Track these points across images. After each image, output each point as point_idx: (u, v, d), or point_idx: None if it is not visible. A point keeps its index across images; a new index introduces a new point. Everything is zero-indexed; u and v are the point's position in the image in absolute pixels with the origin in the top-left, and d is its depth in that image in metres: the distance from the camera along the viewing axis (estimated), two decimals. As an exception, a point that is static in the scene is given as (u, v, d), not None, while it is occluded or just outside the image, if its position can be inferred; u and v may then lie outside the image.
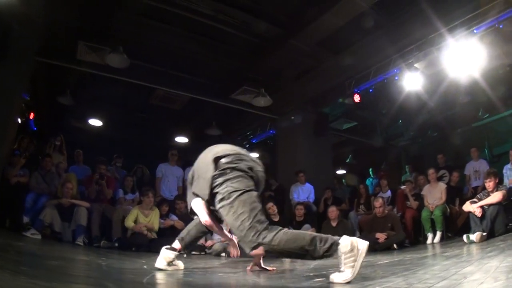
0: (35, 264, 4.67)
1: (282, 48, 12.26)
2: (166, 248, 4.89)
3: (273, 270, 5.02)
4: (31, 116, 15.32)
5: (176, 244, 4.97)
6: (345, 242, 3.60)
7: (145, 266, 5.27)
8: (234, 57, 13.36)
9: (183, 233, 5.07)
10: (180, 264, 5.03)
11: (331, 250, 3.58)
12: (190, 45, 12.60)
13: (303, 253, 3.61)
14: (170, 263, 4.85)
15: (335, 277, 3.56)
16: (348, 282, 3.48)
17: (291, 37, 11.82)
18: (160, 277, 4.38)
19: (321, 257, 3.61)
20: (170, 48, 12.72)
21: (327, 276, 3.78)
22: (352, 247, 3.59)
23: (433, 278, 3.74)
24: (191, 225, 5.07)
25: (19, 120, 13.03)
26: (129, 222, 9.67)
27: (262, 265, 5.05)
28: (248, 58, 13.32)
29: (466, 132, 16.47)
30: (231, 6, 11.07)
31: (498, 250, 5.66)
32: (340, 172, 19.03)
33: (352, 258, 3.57)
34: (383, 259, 6.69)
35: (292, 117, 14.77)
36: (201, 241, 9.98)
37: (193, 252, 9.71)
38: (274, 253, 3.69)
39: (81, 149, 12.77)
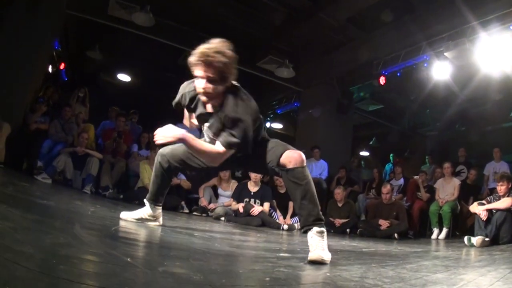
0: (25, 200, 4.73)
1: (312, 20, 12.07)
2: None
3: None
4: (62, 66, 15.49)
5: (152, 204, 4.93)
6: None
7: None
8: (263, 25, 13.24)
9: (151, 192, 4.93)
10: (159, 220, 5.00)
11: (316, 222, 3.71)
12: (220, 9, 12.55)
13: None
14: (147, 219, 4.89)
15: (324, 254, 3.56)
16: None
17: (321, 10, 11.63)
18: (131, 227, 4.40)
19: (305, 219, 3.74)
20: (200, 10, 12.68)
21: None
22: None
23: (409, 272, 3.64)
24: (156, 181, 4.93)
25: (50, 69, 13.19)
26: (146, 180, 9.74)
27: None
28: (277, 28, 13.15)
29: (495, 131, 16.15)
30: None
31: (489, 260, 5.46)
32: (363, 153, 18.87)
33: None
34: (372, 247, 6.66)
35: (310, 111, 14.76)
36: (204, 203, 10.09)
37: (195, 213, 9.80)
38: None
39: (108, 103, 12.94)
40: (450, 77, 11.76)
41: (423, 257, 5.67)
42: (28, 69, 10.81)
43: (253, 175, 9.74)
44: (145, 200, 4.86)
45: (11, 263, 1.66)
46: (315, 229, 3.65)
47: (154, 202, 4.87)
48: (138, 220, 4.86)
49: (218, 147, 3.89)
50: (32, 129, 10.31)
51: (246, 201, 9.65)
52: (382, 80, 12.76)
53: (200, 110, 4.19)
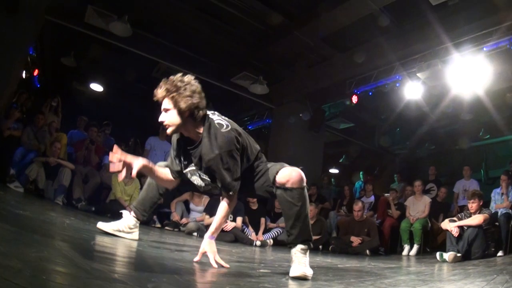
0: (1, 208, 4.72)
1: (287, 38, 12.20)
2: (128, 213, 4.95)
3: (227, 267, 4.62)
4: (35, 72, 15.39)
5: (135, 212, 4.96)
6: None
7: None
8: (238, 41, 13.27)
9: (138, 200, 5.03)
10: (135, 234, 4.98)
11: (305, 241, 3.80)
12: (197, 23, 12.53)
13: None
14: (124, 231, 4.87)
15: (307, 270, 3.61)
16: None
17: (297, 29, 11.76)
18: (108, 241, 4.37)
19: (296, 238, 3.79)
20: (177, 23, 12.66)
21: (273, 268, 3.83)
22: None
23: None
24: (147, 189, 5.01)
25: (24, 75, 13.11)
26: (118, 193, 9.91)
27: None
28: (252, 44, 13.23)
29: (465, 150, 16.40)
30: (238, -12, 11.06)
31: (464, 274, 5.58)
32: (333, 171, 18.99)
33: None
34: (345, 263, 6.77)
35: (301, 114, 14.77)
36: (176, 218, 10.09)
37: (166, 228, 9.79)
38: None
39: (80, 113, 12.89)
40: (421, 97, 11.93)
41: (398, 273, 5.82)
42: (2, 74, 10.76)
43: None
44: (124, 211, 4.86)
45: (1, 279, 1.67)
46: (300, 246, 3.72)
47: (138, 212, 4.90)
48: (116, 231, 4.83)
49: (227, 201, 3.91)
50: (5, 135, 10.21)
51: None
52: (354, 99, 12.90)
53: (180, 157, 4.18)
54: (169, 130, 3.89)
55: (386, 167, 19.10)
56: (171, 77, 3.88)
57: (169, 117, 3.83)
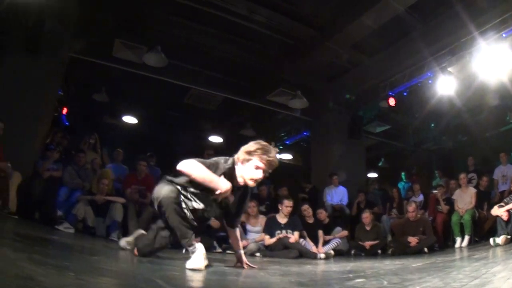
0: (76, 258, 4.71)
1: (317, 50, 12.23)
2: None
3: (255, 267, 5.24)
4: (64, 111, 15.48)
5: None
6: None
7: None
8: (269, 59, 13.35)
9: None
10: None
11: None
12: (225, 46, 12.67)
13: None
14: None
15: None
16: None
17: (326, 40, 11.77)
18: (198, 276, 4.35)
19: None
20: (205, 48, 12.80)
21: (366, 277, 3.86)
22: None
23: (466, 277, 3.85)
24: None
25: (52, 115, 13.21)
26: None
27: (246, 262, 5.21)
28: (283, 60, 13.27)
29: (494, 136, 16.34)
30: (266, 7, 11.10)
31: None
32: (372, 175, 18.90)
33: None
34: (416, 262, 6.75)
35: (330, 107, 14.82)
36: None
37: (228, 252, 9.72)
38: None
39: (115, 146, 12.91)
40: (453, 90, 11.90)
41: (475, 260, 5.87)
42: (35, 115, 10.92)
43: (284, 207, 9.81)
44: (196, 243, 4.85)
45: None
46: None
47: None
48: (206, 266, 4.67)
49: None
50: (45, 177, 10.19)
51: (278, 233, 9.68)
52: (391, 101, 12.86)
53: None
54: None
55: (423, 164, 19.01)
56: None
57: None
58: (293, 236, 9.49)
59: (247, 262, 5.15)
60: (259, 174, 4.69)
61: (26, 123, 10.54)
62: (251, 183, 4.74)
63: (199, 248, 4.44)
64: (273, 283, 4.17)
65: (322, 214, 11.35)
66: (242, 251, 5.22)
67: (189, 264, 4.32)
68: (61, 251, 4.73)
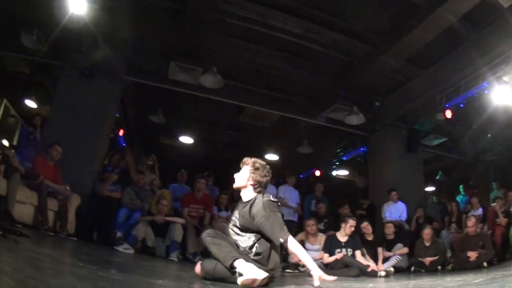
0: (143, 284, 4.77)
1: (372, 65, 12.18)
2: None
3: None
4: (121, 132, 15.76)
5: None
6: None
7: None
8: (324, 75, 13.38)
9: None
10: None
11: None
12: (280, 64, 12.75)
13: None
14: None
15: None
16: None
17: (381, 54, 11.72)
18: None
19: None
20: (260, 67, 12.91)
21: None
22: None
23: None
24: None
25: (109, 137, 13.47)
26: None
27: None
28: (338, 76, 13.27)
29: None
30: (320, 24, 11.17)
31: None
32: (429, 189, 18.63)
33: None
34: (476, 278, 6.65)
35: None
36: (295, 259, 10.00)
37: (287, 270, 9.72)
38: None
39: (172, 166, 13.05)
40: (510, 99, 11.70)
41: None
42: (92, 138, 11.33)
43: (348, 226, 9.75)
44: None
45: None
46: None
47: None
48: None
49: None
50: (104, 195, 10.46)
51: (338, 251, 9.60)
52: (448, 114, 12.71)
53: None
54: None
55: (480, 176, 18.69)
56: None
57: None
58: (373, 265, 9.47)
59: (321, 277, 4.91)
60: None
61: (84, 146, 10.92)
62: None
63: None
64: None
65: (391, 229, 11.33)
66: (309, 266, 5.01)
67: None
68: (126, 276, 4.79)
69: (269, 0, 10.54)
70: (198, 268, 5.23)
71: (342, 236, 9.80)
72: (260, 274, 4.39)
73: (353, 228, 9.73)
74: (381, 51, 11.67)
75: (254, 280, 4.35)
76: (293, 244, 4.91)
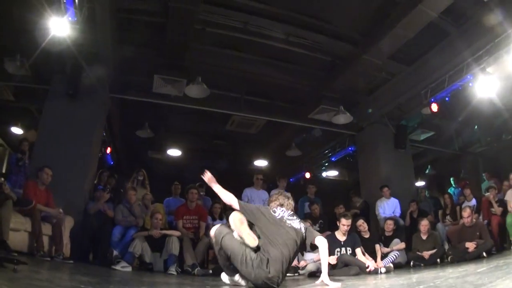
0: None
1: (355, 64, 12.22)
2: None
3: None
4: (108, 150, 15.72)
5: None
6: None
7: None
8: (308, 78, 13.43)
9: None
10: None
11: None
12: (264, 70, 12.79)
13: None
14: None
15: None
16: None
17: (363, 53, 11.76)
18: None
19: None
20: (243, 74, 12.97)
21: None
22: None
23: None
24: None
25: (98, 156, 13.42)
26: None
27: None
28: (322, 77, 13.33)
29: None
30: (302, 28, 11.22)
31: None
32: (420, 183, 18.68)
33: None
34: (479, 267, 6.67)
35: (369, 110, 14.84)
36: (294, 262, 9.98)
37: (287, 274, 9.67)
38: None
39: (163, 180, 12.99)
40: (494, 90, 11.76)
41: None
42: (81, 158, 11.27)
43: (341, 226, 9.73)
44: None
45: None
46: None
47: None
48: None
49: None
50: (92, 212, 10.55)
51: (337, 251, 9.59)
52: (434, 108, 12.78)
53: None
54: None
55: (470, 167, 18.79)
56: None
57: None
58: (372, 263, 9.41)
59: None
60: None
61: (73, 167, 10.87)
62: None
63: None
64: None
65: (391, 226, 11.40)
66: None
67: None
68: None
69: (249, 7, 10.51)
70: None
71: (341, 235, 9.76)
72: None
73: (345, 227, 9.69)
74: (364, 50, 11.70)
75: None
76: None
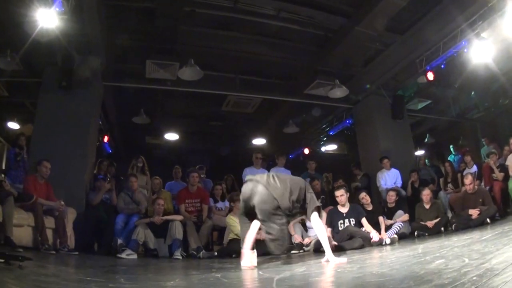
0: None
1: (349, 37, 12.06)
2: None
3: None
4: (105, 139, 15.66)
5: None
6: None
7: (261, 272, 5.29)
8: (302, 53, 13.33)
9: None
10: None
11: None
12: (256, 48, 12.71)
13: None
14: None
15: None
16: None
17: (356, 25, 11.62)
18: (288, 280, 4.38)
19: None
20: (236, 53, 12.88)
21: (445, 257, 3.95)
22: None
23: None
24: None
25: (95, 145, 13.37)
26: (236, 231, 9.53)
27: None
28: (316, 52, 13.21)
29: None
30: (292, 3, 11.09)
31: None
32: (419, 152, 18.68)
33: None
34: (484, 235, 6.67)
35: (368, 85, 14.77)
36: (299, 239, 9.98)
37: (293, 251, 9.67)
38: None
39: (163, 165, 12.94)
40: (490, 55, 11.69)
41: None
42: (78, 148, 11.23)
43: (337, 197, 9.71)
44: None
45: None
46: None
47: None
48: None
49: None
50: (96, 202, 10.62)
51: (341, 223, 9.59)
52: (430, 76, 12.70)
53: None
54: None
55: (468, 134, 18.80)
56: None
57: None
58: (376, 234, 9.42)
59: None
60: None
61: (72, 158, 10.86)
62: None
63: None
64: (356, 277, 4.12)
65: (393, 198, 11.39)
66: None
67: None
68: (136, 283, 4.73)
69: (238, -16, 10.42)
70: None
71: (341, 207, 9.75)
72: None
73: (342, 197, 9.69)
74: (356, 22, 11.58)
75: None
76: None
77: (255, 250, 5.93)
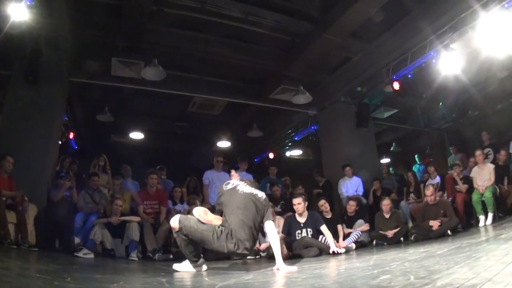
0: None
1: (316, 43, 12.07)
2: None
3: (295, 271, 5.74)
4: (71, 136, 15.49)
5: None
6: None
7: (206, 279, 5.24)
8: (268, 57, 13.33)
9: None
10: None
11: None
12: (223, 50, 12.66)
13: None
14: None
15: None
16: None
17: (323, 31, 11.62)
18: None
19: None
20: (203, 55, 12.84)
21: (392, 272, 4.00)
22: None
23: (497, 264, 3.76)
24: None
25: (60, 141, 13.19)
26: None
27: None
28: (282, 57, 13.24)
29: (506, 108, 16.07)
30: (260, 6, 11.05)
31: None
32: (385, 161, 18.73)
33: None
34: (441, 248, 6.63)
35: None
36: (256, 245, 9.88)
37: (249, 257, 9.59)
38: None
39: (126, 163, 12.79)
40: (459, 67, 11.75)
41: (503, 241, 6.05)
42: (42, 144, 11.04)
43: (294, 205, 9.63)
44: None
45: None
46: None
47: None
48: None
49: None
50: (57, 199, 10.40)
51: (298, 233, 9.46)
52: (396, 86, 12.71)
53: None
54: None
55: (436, 144, 18.92)
56: None
57: None
58: (332, 246, 9.13)
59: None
60: None
61: (34, 154, 10.63)
62: None
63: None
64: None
65: (353, 207, 11.29)
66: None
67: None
68: (81, 283, 4.65)
69: (206, -15, 10.36)
70: None
71: (300, 217, 9.63)
72: None
73: (299, 206, 9.50)
74: (323, 28, 11.59)
75: None
76: None
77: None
